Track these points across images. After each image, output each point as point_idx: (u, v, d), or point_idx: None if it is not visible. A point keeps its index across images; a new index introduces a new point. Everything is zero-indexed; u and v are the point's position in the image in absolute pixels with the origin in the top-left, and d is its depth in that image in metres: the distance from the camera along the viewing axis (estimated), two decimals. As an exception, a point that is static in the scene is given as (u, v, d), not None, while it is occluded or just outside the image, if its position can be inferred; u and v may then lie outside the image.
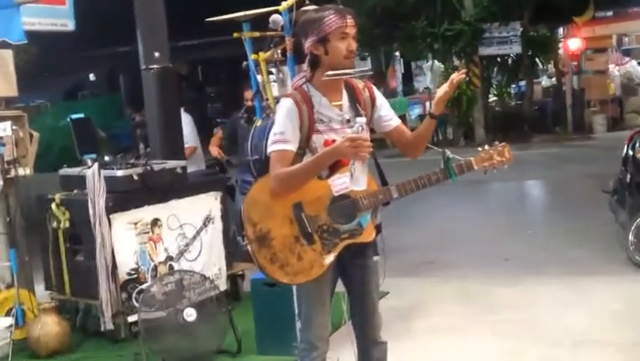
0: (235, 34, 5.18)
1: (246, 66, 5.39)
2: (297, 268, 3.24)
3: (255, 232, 3.24)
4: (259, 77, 5.24)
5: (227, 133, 7.37)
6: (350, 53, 3.24)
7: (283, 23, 4.89)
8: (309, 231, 3.22)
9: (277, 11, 4.99)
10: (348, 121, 3.29)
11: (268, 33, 5.11)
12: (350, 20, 3.24)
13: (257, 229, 3.25)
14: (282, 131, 3.23)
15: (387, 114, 3.46)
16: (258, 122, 5.47)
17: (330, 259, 3.25)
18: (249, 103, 6.94)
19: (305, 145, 3.26)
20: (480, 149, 3.34)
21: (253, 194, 3.30)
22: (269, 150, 3.26)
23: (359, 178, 3.18)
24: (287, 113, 3.25)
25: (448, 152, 3.28)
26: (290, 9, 4.75)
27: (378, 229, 3.50)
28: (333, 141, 3.24)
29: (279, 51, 5.28)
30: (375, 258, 3.45)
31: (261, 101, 5.39)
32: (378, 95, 3.48)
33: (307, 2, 4.72)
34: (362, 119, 3.17)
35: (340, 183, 3.23)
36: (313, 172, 3.22)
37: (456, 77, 3.30)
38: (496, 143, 3.36)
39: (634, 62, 20.77)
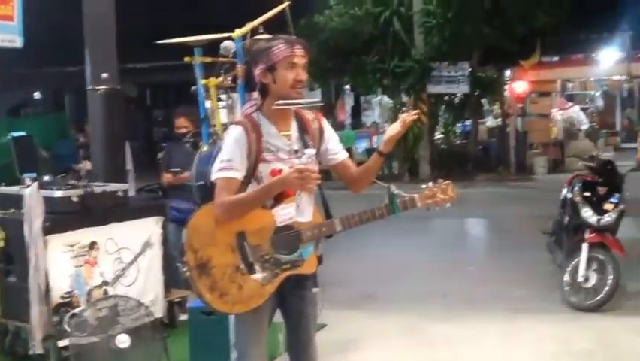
0: (186, 59, 5.16)
1: (194, 91, 5.37)
2: (237, 298, 3.21)
3: (196, 260, 3.20)
4: (208, 103, 5.22)
5: (163, 159, 7.30)
6: (297, 83, 3.24)
7: (235, 50, 4.88)
8: (251, 260, 3.19)
9: (230, 38, 4.99)
10: (296, 152, 3.29)
11: (219, 59, 5.11)
12: (299, 50, 3.25)
13: (198, 257, 3.20)
14: (229, 159, 3.21)
15: (334, 148, 3.47)
16: (204, 148, 5.44)
17: (270, 289, 3.23)
18: (183, 130, 6.91)
19: (251, 174, 3.25)
20: (424, 186, 3.37)
21: (196, 221, 3.26)
22: (214, 176, 3.24)
23: (305, 210, 3.17)
24: (235, 141, 3.23)
25: (393, 187, 3.31)
26: (243, 37, 4.75)
27: (319, 260, 3.49)
28: (280, 170, 3.24)
29: (229, 78, 5.27)
30: (314, 290, 3.44)
31: (208, 127, 5.36)
32: (327, 128, 3.49)
33: (261, 31, 4.72)
34: (311, 151, 3.17)
35: (285, 213, 3.21)
36: (259, 201, 3.20)
37: (408, 117, 3.34)
38: (440, 180, 3.40)
39: (576, 108, 21.30)
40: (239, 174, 3.21)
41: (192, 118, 6.99)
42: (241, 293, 3.20)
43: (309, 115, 3.44)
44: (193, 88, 5.40)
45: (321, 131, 3.44)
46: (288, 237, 3.21)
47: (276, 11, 4.93)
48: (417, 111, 3.63)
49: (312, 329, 3.46)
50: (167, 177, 6.88)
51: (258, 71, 3.29)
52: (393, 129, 3.38)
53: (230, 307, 3.24)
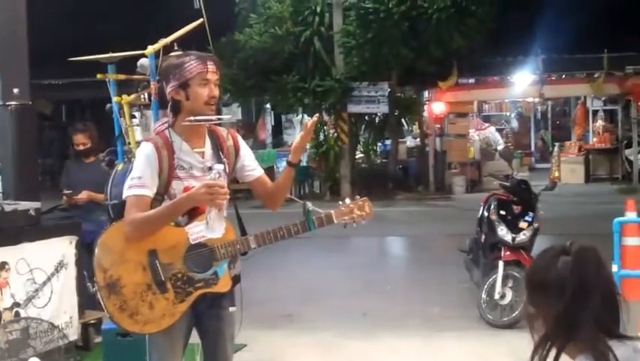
0: (99, 76, 5.07)
1: (109, 109, 5.28)
2: (148, 317, 3.15)
3: (105, 279, 3.14)
4: (122, 120, 5.14)
5: (61, 178, 7.20)
6: (211, 99, 3.22)
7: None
8: (162, 279, 3.14)
9: (145, 55, 4.93)
10: (210, 168, 3.25)
11: (134, 76, 5.04)
12: (211, 66, 3.23)
13: (107, 276, 3.15)
14: (139, 176, 3.17)
15: (250, 164, 3.45)
16: (119, 167, 5.35)
17: (182, 308, 3.17)
18: (81, 148, 6.86)
19: (164, 191, 3.21)
20: (341, 203, 3.38)
21: (106, 239, 3.20)
22: (125, 194, 3.20)
23: (215, 226, 3.13)
24: (146, 158, 3.19)
25: (309, 204, 3.31)
26: (156, 54, 4.70)
27: (237, 279, 3.45)
28: (193, 187, 3.19)
29: (145, 95, 5.20)
30: (231, 309, 3.40)
31: (123, 144, 5.28)
32: (242, 145, 3.47)
33: (175, 48, 4.68)
34: (220, 166, 3.15)
35: (198, 231, 3.17)
36: (169, 218, 3.16)
37: (310, 122, 3.34)
38: (357, 197, 3.42)
39: (492, 128, 21.83)
40: (149, 191, 3.17)
41: (91, 134, 6.93)
42: (152, 313, 3.15)
43: (222, 132, 3.43)
44: (108, 106, 5.31)
45: (236, 148, 3.42)
46: (202, 254, 3.17)
47: (191, 27, 4.91)
48: (317, 115, 3.62)
49: (229, 349, 3.41)
50: (64, 199, 6.76)
51: (169, 88, 3.25)
52: (298, 137, 3.39)
53: (141, 327, 3.19)
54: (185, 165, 3.24)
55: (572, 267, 1.95)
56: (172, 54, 4.59)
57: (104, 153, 6.85)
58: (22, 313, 5.28)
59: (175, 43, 4.96)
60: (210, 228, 3.11)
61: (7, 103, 6.15)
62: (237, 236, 3.29)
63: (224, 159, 3.32)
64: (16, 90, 6.13)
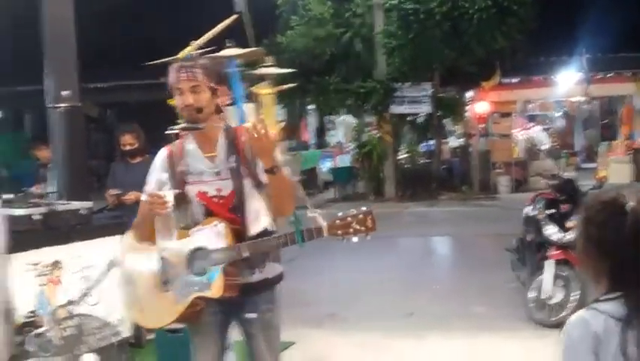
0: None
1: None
2: (152, 314, 3.31)
3: (124, 271, 3.37)
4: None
5: (108, 179, 7.31)
6: (185, 107, 3.24)
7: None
8: (167, 279, 3.24)
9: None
10: (218, 173, 3.28)
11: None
12: (183, 75, 3.23)
13: (126, 269, 3.37)
14: (149, 182, 3.39)
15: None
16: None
17: (179, 309, 3.24)
18: (128, 148, 6.96)
19: (183, 196, 3.30)
20: (340, 214, 3.15)
21: (128, 235, 3.44)
22: (141, 198, 3.39)
23: (163, 233, 3.27)
24: (158, 163, 3.41)
25: (310, 210, 3.20)
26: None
27: (280, 278, 3.42)
28: (205, 192, 3.28)
29: None
30: (249, 315, 3.36)
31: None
32: None
33: (228, 45, 4.72)
34: (163, 177, 3.33)
35: (199, 235, 3.22)
36: (142, 223, 3.32)
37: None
38: (363, 209, 3.17)
39: (537, 128, 21.61)
40: None
41: (138, 134, 7.02)
42: (156, 310, 3.27)
43: (243, 133, 3.31)
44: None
45: None
46: (199, 258, 3.22)
47: (225, 24, 4.93)
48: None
49: (265, 351, 3.39)
50: (109, 199, 6.85)
51: None
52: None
53: (147, 322, 3.43)
54: (194, 170, 3.32)
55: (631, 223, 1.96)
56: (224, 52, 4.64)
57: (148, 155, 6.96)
58: (76, 311, 5.38)
59: (227, 41, 4.97)
60: (162, 236, 3.26)
61: (57, 105, 6.27)
62: (233, 243, 3.21)
63: (240, 161, 3.28)
64: (65, 93, 6.25)
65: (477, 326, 6.82)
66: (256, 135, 3.07)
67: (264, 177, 3.22)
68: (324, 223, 3.10)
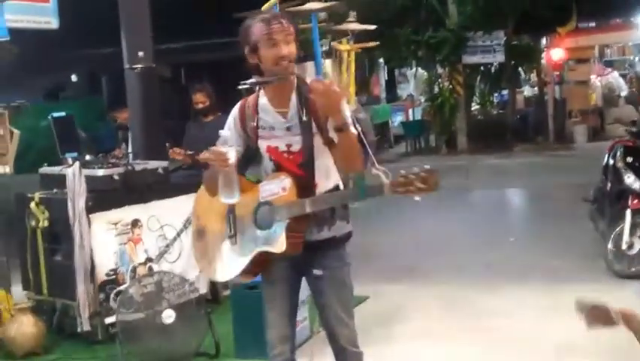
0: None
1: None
2: (219, 267, 3.34)
3: (197, 225, 3.42)
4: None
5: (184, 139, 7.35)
6: (279, 59, 3.17)
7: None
8: (234, 232, 3.26)
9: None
10: (291, 128, 3.27)
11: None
12: (277, 26, 3.18)
13: (198, 223, 3.41)
14: (224, 135, 3.35)
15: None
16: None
17: (244, 262, 3.25)
18: (200, 106, 7.03)
19: (256, 150, 3.33)
20: (402, 171, 3.03)
21: (200, 190, 3.44)
22: None
23: (223, 191, 3.19)
24: (232, 117, 3.38)
25: (375, 168, 3.10)
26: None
27: (349, 236, 3.40)
28: (276, 147, 3.27)
29: None
30: (317, 272, 3.34)
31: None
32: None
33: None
34: (226, 133, 3.31)
35: (268, 189, 3.23)
36: (209, 179, 3.31)
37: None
38: (426, 167, 3.01)
39: (615, 73, 20.94)
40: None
41: (209, 92, 7.08)
42: (222, 263, 3.31)
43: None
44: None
45: None
46: (265, 212, 3.22)
47: None
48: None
49: (338, 308, 3.36)
50: (183, 159, 6.90)
51: (246, 53, 3.29)
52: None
53: (214, 274, 3.42)
54: (266, 125, 3.29)
55: None
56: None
57: (213, 116, 7.01)
58: (155, 268, 5.53)
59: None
60: (225, 192, 3.20)
61: (133, 66, 6.38)
62: (297, 198, 3.19)
63: (304, 112, 3.24)
64: (141, 53, 6.36)
65: (555, 278, 6.74)
66: (322, 91, 3.02)
67: (334, 135, 3.17)
68: (386, 181, 3.03)
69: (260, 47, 3.20)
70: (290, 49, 3.20)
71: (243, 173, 3.38)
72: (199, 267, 3.44)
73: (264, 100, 3.31)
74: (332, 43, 5.61)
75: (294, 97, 3.29)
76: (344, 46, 5.19)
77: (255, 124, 3.30)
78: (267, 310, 3.44)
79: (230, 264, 3.29)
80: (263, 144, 3.29)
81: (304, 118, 3.25)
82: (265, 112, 3.30)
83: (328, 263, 3.36)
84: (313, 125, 3.25)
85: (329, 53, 5.56)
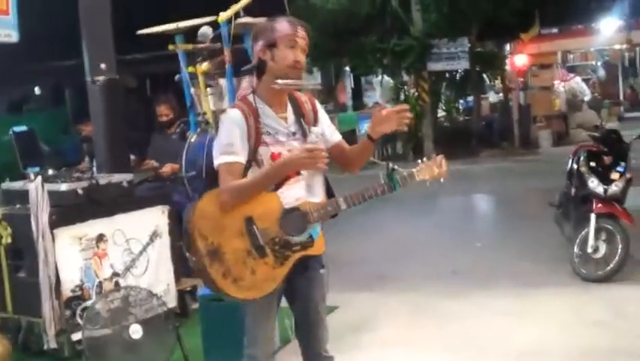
0: (170, 47, 5.15)
1: (179, 79, 5.34)
2: (251, 283, 3.18)
3: (207, 246, 3.14)
4: (193, 90, 5.19)
5: (148, 150, 7.32)
6: (296, 63, 3.23)
7: (220, 35, 4.85)
8: (261, 244, 3.16)
9: (208, 23, 4.96)
10: (294, 134, 3.28)
11: (199, 45, 5.08)
12: (301, 32, 3.24)
13: (208, 243, 3.15)
14: (230, 143, 3.18)
15: (328, 131, 3.46)
16: (193, 138, 5.43)
17: (282, 272, 3.22)
18: (164, 119, 6.99)
19: (252, 157, 3.23)
20: (420, 161, 3.41)
21: (202, 207, 3.20)
22: (217, 162, 3.21)
23: (316, 190, 3.19)
24: (234, 124, 3.21)
25: (391, 164, 3.32)
26: (228, 21, 4.73)
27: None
28: (280, 153, 3.23)
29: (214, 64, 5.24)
30: (321, 270, 3.43)
31: (195, 115, 5.33)
32: (320, 110, 3.48)
33: (242, 14, 4.69)
34: (318, 129, 3.17)
35: (290, 195, 3.20)
36: (267, 184, 3.18)
37: (402, 113, 3.28)
38: (434, 155, 3.44)
39: (578, 79, 21.22)
40: (241, 158, 3.18)
41: (172, 105, 7.05)
42: (255, 278, 3.17)
43: (302, 97, 3.42)
44: (177, 76, 5.37)
45: (314, 113, 3.43)
46: (296, 218, 3.20)
47: None
48: (406, 107, 3.42)
49: (321, 310, 3.43)
50: (147, 169, 6.89)
51: (257, 48, 3.27)
52: (385, 124, 3.29)
53: (245, 292, 3.19)
54: (271, 130, 3.25)
55: None
56: (244, 20, 4.61)
57: (176, 124, 6.99)
58: (122, 283, 5.48)
59: (242, 11, 4.94)
60: (312, 192, 3.16)
61: (95, 78, 6.32)
62: (327, 199, 3.31)
63: (307, 125, 3.35)
64: (103, 65, 6.30)
65: (522, 282, 6.79)
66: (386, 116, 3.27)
67: (336, 137, 3.45)
68: (412, 170, 3.35)
69: (278, 45, 3.21)
70: (304, 58, 3.26)
71: None
72: (221, 288, 3.17)
73: (262, 105, 3.27)
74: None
75: (288, 103, 3.33)
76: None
77: (259, 129, 3.24)
78: (254, 326, 3.34)
79: (265, 277, 3.19)
80: (266, 151, 3.24)
81: (304, 124, 3.32)
82: (268, 117, 3.27)
83: (318, 265, 3.39)
84: (306, 129, 3.32)
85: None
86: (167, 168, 6.78)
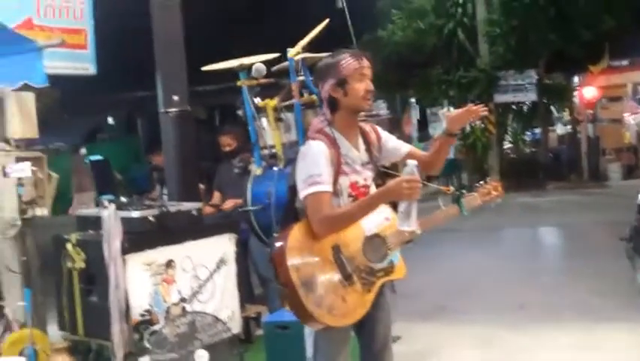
0: (238, 83, 5.28)
1: (243, 114, 5.45)
2: (344, 311, 3.22)
3: (300, 278, 3.16)
4: (257, 125, 5.29)
5: (214, 180, 7.43)
6: (368, 94, 3.31)
7: (286, 70, 4.97)
8: (349, 272, 3.23)
9: (270, 60, 5.09)
10: (368, 163, 3.38)
11: (262, 81, 5.19)
12: (366, 62, 3.32)
13: (301, 275, 3.17)
14: (319, 173, 3.22)
15: (395, 145, 3.59)
16: (258, 171, 5.54)
17: (370, 297, 3.29)
18: (227, 149, 7.08)
19: (332, 187, 3.30)
20: (478, 185, 3.61)
21: (293, 239, 3.22)
22: (306, 192, 3.23)
23: (413, 218, 3.19)
24: (321, 154, 3.26)
25: (458, 190, 3.42)
26: (294, 56, 4.83)
27: None
28: (356, 182, 3.32)
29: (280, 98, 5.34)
30: (392, 293, 3.49)
31: (259, 149, 5.42)
32: (382, 132, 3.59)
33: (302, 50, 4.79)
34: (413, 162, 3.20)
35: (371, 222, 3.28)
36: (366, 212, 3.24)
37: (475, 109, 3.43)
38: (488, 179, 3.72)
39: (648, 112, 20.79)
40: (330, 187, 3.24)
41: (236, 135, 7.15)
42: (346, 305, 3.21)
43: (366, 127, 3.52)
44: (239, 112, 5.48)
45: (378, 138, 3.53)
46: (377, 245, 3.29)
47: (319, 29, 5.01)
48: (485, 109, 3.58)
49: (388, 334, 3.48)
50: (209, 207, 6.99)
51: (327, 86, 3.33)
52: (463, 118, 3.53)
53: (340, 320, 3.22)
54: (350, 160, 3.34)
55: None
56: (306, 55, 4.70)
57: (237, 158, 7.10)
58: (188, 308, 5.57)
59: (303, 47, 5.04)
60: (410, 220, 3.17)
61: (168, 110, 6.51)
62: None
63: (375, 153, 3.44)
64: (175, 97, 6.49)
65: (592, 317, 6.66)
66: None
67: (405, 147, 3.61)
68: (474, 193, 3.56)
69: (349, 82, 3.30)
70: (372, 85, 3.36)
71: None
72: (317, 318, 3.17)
73: (339, 136, 3.35)
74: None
75: (358, 134, 3.44)
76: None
77: (340, 160, 3.31)
78: (335, 353, 3.35)
79: (356, 304, 3.24)
80: (345, 180, 3.33)
81: (375, 153, 3.46)
82: (345, 148, 3.36)
83: (386, 290, 3.48)
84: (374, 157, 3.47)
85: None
86: (230, 204, 6.88)
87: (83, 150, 14.16)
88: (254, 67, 5.08)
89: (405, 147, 3.60)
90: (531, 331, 6.39)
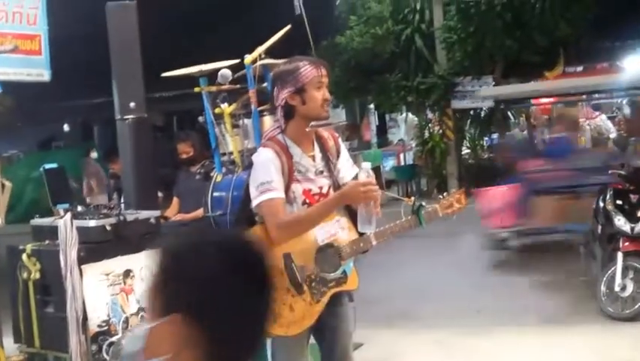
0: (196, 89, 5.24)
1: (203, 120, 5.42)
2: (290, 319, 3.22)
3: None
4: (217, 131, 5.26)
5: (175, 188, 7.38)
6: (325, 102, 3.31)
7: (244, 76, 4.94)
8: (299, 281, 3.20)
9: (229, 66, 5.05)
10: (322, 172, 3.33)
11: (223, 87, 5.16)
12: (324, 70, 3.31)
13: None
14: (269, 180, 3.22)
15: (342, 168, 3.50)
16: (218, 178, 5.50)
17: (319, 308, 3.26)
18: (184, 156, 7.04)
19: (284, 195, 3.28)
20: (441, 196, 3.57)
21: None
22: (258, 200, 3.23)
23: (372, 221, 3.21)
24: (270, 162, 3.26)
25: (418, 201, 3.38)
26: (252, 62, 4.81)
27: None
28: (310, 190, 3.28)
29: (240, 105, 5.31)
30: (350, 304, 3.46)
31: (219, 155, 5.39)
32: (342, 147, 3.55)
33: (262, 56, 4.77)
34: (367, 165, 3.22)
35: (324, 232, 3.26)
36: (322, 217, 3.24)
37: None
38: (453, 190, 3.67)
39: (603, 116, 21.10)
40: (282, 193, 3.23)
41: (193, 143, 7.11)
42: (294, 315, 3.21)
43: (324, 133, 3.49)
44: (201, 118, 5.45)
45: (337, 149, 3.50)
46: (330, 254, 3.26)
47: (280, 35, 4.99)
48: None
49: (349, 344, 3.45)
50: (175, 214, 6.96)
51: (285, 94, 3.31)
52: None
53: (286, 329, 3.22)
54: (302, 168, 3.32)
55: None
56: (266, 61, 4.68)
57: (199, 165, 7.05)
58: (148, 318, 5.50)
59: (262, 53, 5.02)
60: (368, 223, 3.19)
61: (125, 117, 6.43)
62: (358, 235, 3.34)
63: (332, 161, 3.41)
64: (132, 104, 6.40)
65: (548, 320, 6.74)
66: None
67: (349, 175, 3.47)
68: (435, 205, 3.49)
69: (308, 90, 3.27)
70: (329, 94, 3.36)
71: None
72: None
73: (291, 144, 3.33)
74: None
75: (314, 142, 3.39)
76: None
77: (292, 167, 3.30)
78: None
79: (303, 314, 3.22)
80: (298, 188, 3.31)
81: (333, 161, 3.41)
82: (298, 156, 3.34)
83: (346, 299, 3.44)
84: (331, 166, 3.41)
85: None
86: (191, 216, 6.84)
87: (94, 154, 13.98)
88: (220, 73, 5.04)
89: (348, 177, 3.48)
90: (490, 335, 6.46)
